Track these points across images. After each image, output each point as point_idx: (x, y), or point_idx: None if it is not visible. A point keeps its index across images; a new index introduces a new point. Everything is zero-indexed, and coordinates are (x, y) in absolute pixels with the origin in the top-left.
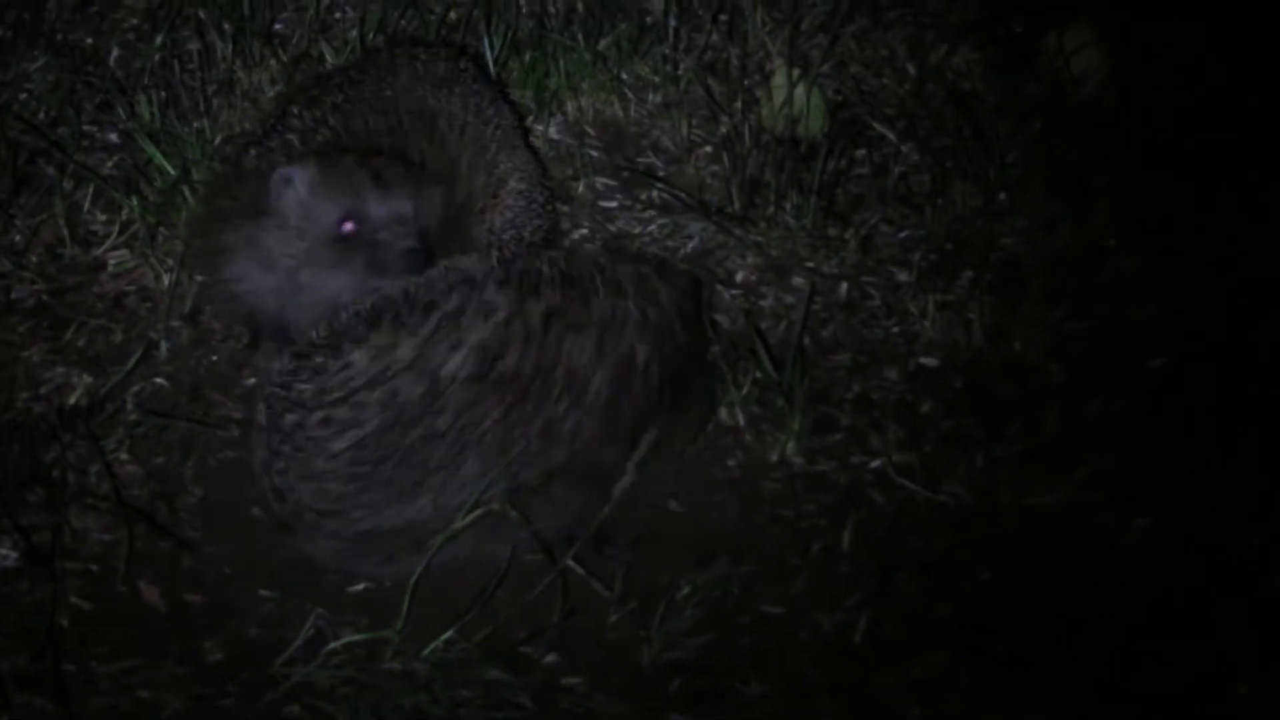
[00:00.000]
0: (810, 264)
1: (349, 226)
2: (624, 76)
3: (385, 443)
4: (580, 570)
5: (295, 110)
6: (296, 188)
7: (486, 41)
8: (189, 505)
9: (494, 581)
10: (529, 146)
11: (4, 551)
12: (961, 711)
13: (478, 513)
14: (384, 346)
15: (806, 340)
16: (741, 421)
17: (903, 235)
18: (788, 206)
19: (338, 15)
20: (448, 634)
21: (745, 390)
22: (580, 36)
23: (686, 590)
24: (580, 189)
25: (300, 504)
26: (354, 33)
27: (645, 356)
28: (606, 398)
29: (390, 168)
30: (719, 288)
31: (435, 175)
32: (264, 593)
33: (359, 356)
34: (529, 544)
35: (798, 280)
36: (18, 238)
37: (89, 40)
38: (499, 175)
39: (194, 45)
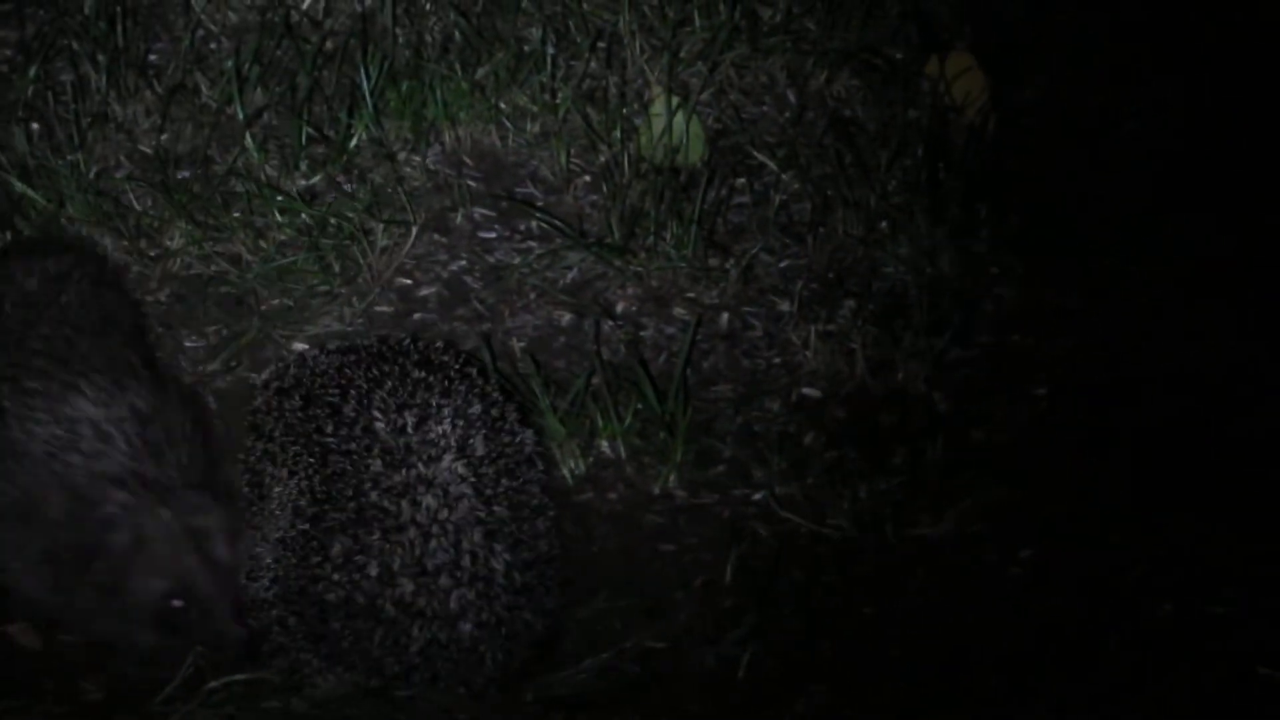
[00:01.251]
0: (691, 294)
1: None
2: (502, 106)
3: None
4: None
5: None
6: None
7: (363, 71)
8: None
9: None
10: None
11: None
12: None
13: None
14: None
15: (688, 372)
16: (623, 454)
17: (784, 265)
18: (668, 236)
19: (213, 46)
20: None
21: (627, 423)
22: (458, 66)
23: (568, 625)
24: (459, 219)
25: None
26: (229, 63)
27: None
28: None
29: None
30: (600, 319)
31: None
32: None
33: None
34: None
35: (679, 311)
36: None
37: None
38: None
39: (67, 77)
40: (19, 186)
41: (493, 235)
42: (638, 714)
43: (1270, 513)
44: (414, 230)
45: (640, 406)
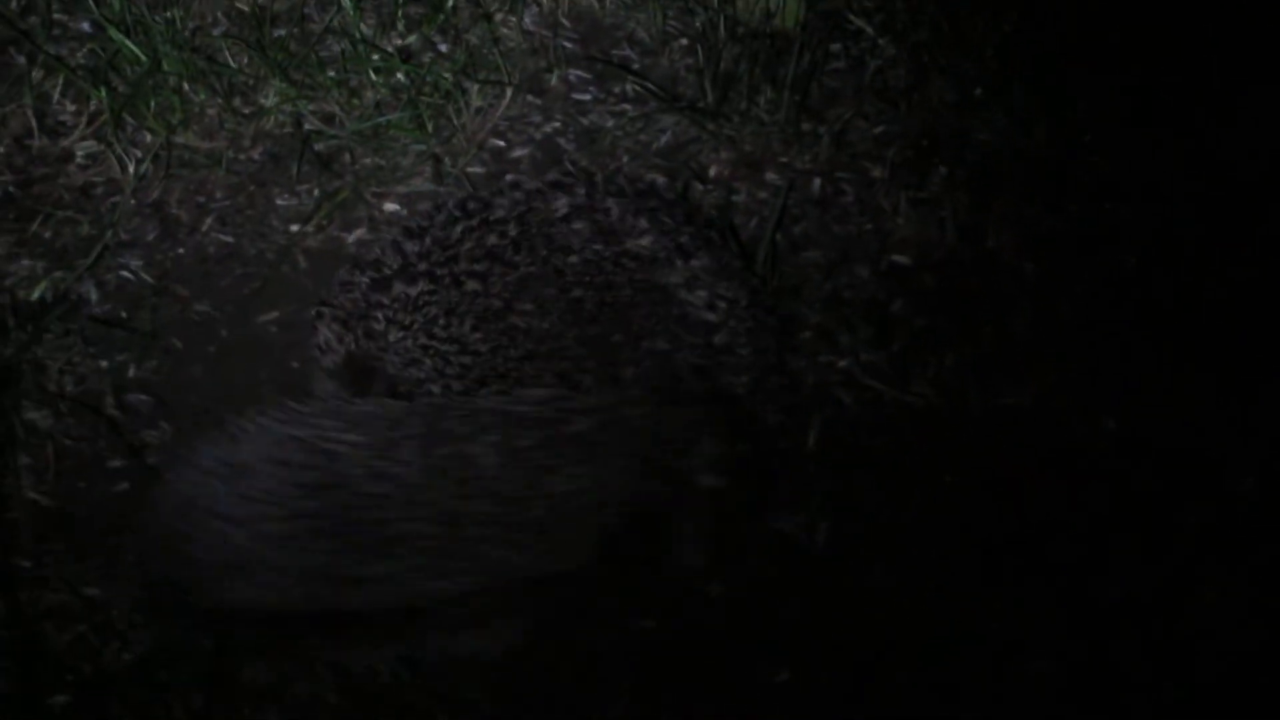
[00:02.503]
0: (784, 159)
1: None
2: None
3: None
4: None
5: None
6: None
7: None
8: (149, 402)
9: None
10: None
11: None
12: (922, 618)
13: None
14: None
15: (779, 236)
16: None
17: (877, 131)
18: (761, 101)
19: None
20: None
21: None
22: None
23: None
24: (554, 81)
25: None
26: None
27: None
28: None
29: None
30: (693, 182)
31: None
32: None
33: None
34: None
35: (771, 176)
36: None
37: None
38: None
39: None
40: (117, 39)
41: (587, 98)
42: (712, 580)
43: None
44: (508, 91)
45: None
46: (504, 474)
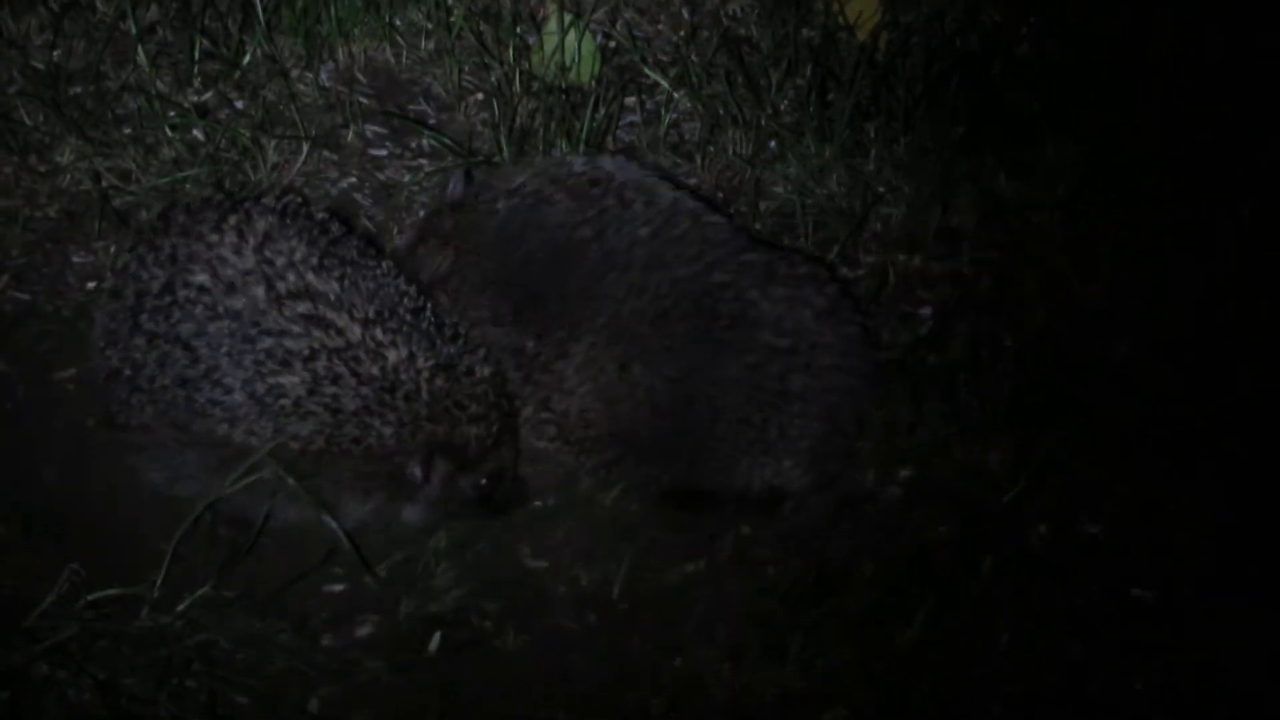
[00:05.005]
0: None
1: None
2: (396, 23)
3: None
4: (335, 524)
5: None
6: None
7: None
8: None
9: (250, 536)
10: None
11: None
12: (714, 666)
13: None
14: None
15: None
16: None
17: None
18: (557, 154)
19: None
20: (204, 589)
21: None
22: None
23: (444, 543)
24: (350, 137)
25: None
26: None
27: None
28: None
29: None
30: None
31: None
32: (20, 547)
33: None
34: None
35: None
36: None
37: None
38: None
39: None
40: None
41: (384, 153)
42: (514, 630)
43: (1144, 433)
44: (305, 147)
45: None
46: None
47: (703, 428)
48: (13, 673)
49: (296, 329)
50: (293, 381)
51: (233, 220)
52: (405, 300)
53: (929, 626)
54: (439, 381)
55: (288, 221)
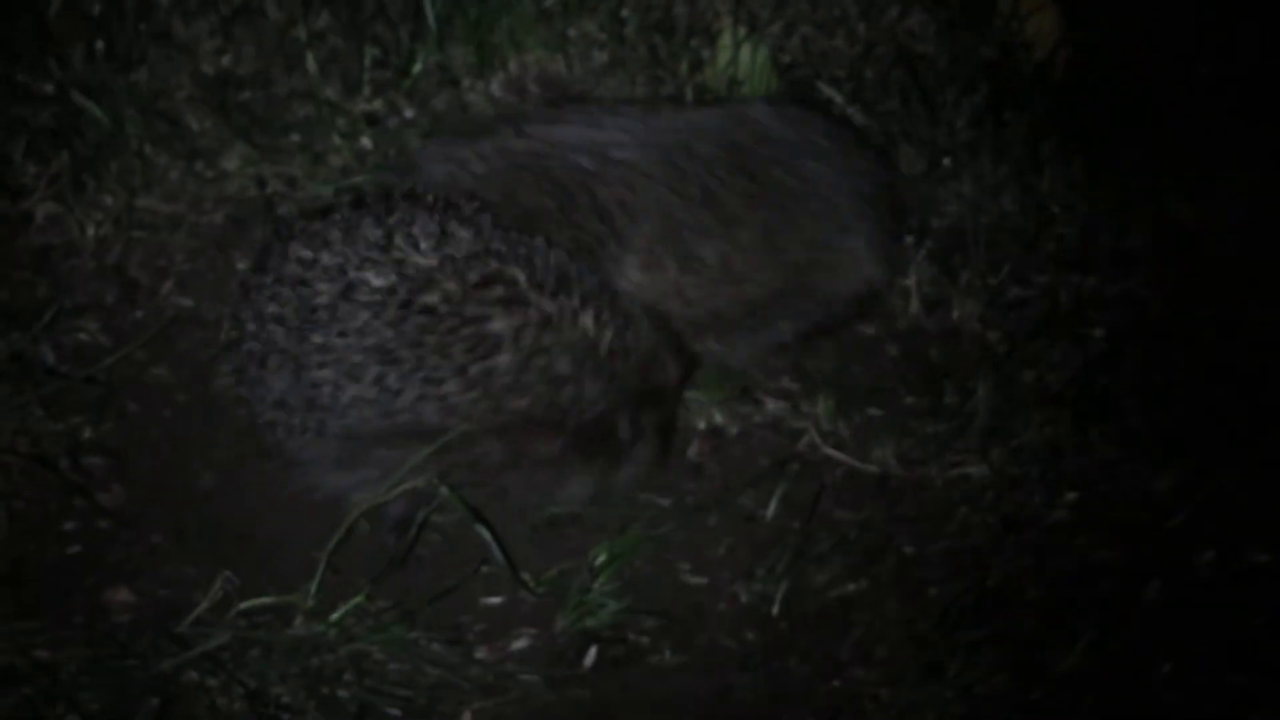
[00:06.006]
0: None
1: None
2: (569, 33)
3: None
4: (490, 535)
5: None
6: None
7: None
8: (104, 464)
9: (408, 545)
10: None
11: None
12: (872, 688)
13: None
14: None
15: None
16: None
17: None
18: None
19: None
20: (358, 598)
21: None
22: None
23: (603, 557)
24: None
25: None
26: None
27: (568, 370)
28: (506, 379)
29: None
30: None
31: None
32: (176, 554)
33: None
34: (448, 508)
35: None
36: None
37: None
38: None
39: None
40: (79, 101)
41: None
42: (670, 648)
43: None
44: None
45: None
46: None
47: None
48: (164, 679)
49: (496, 312)
50: (504, 361)
51: (396, 220)
52: (574, 269)
53: (1091, 652)
54: (629, 335)
55: (450, 214)
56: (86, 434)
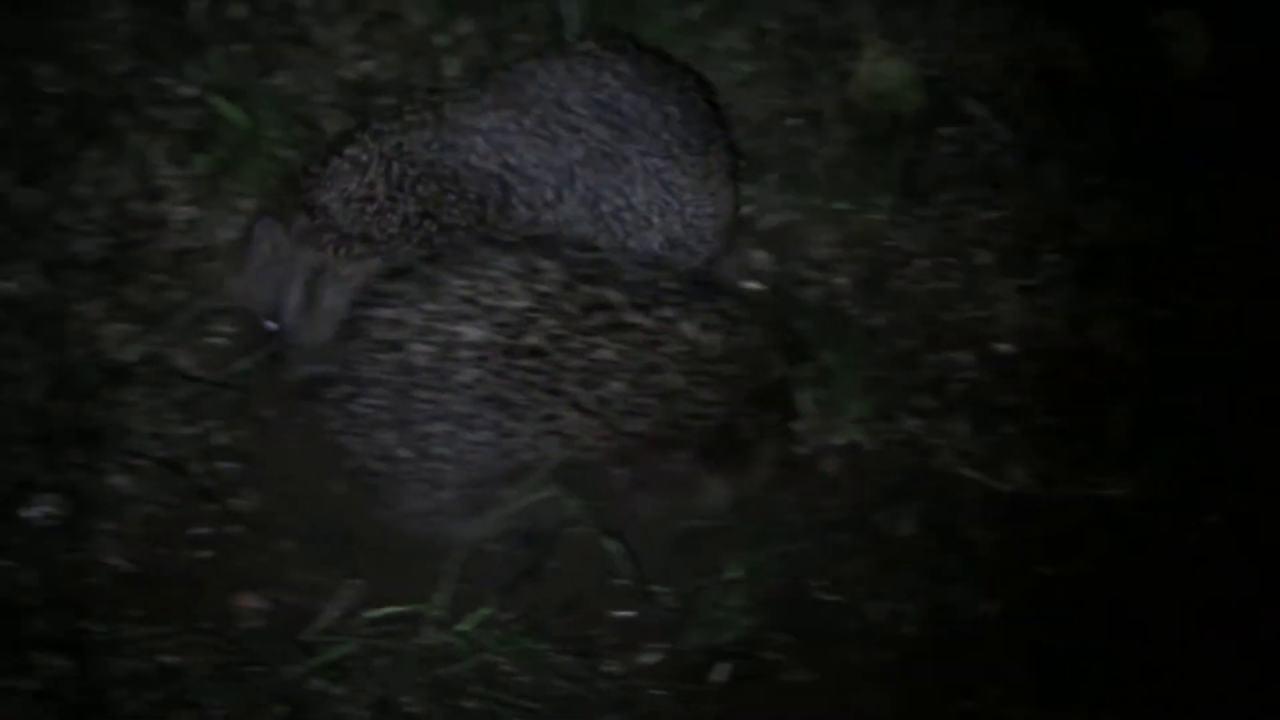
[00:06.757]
0: (890, 242)
1: (270, 325)
2: (712, 45)
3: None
4: (620, 549)
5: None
6: (260, 249)
7: (575, 5)
8: (236, 469)
9: (537, 557)
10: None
11: (44, 509)
12: (1003, 711)
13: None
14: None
15: (881, 320)
16: (808, 403)
17: (987, 216)
18: (870, 182)
19: None
20: (487, 609)
21: (813, 370)
22: (669, 3)
23: (736, 573)
24: None
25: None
26: None
27: (680, 384)
28: (621, 404)
29: (344, 271)
30: (796, 264)
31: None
32: (306, 561)
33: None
34: (575, 520)
35: (876, 258)
36: (84, 190)
37: None
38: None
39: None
40: (220, 105)
41: None
42: (802, 665)
43: None
44: None
45: (829, 354)
46: None
47: None
48: (290, 687)
49: (601, 340)
50: (617, 386)
51: (475, 268)
52: (660, 275)
53: (1231, 680)
54: (733, 334)
55: (529, 249)
56: (220, 439)
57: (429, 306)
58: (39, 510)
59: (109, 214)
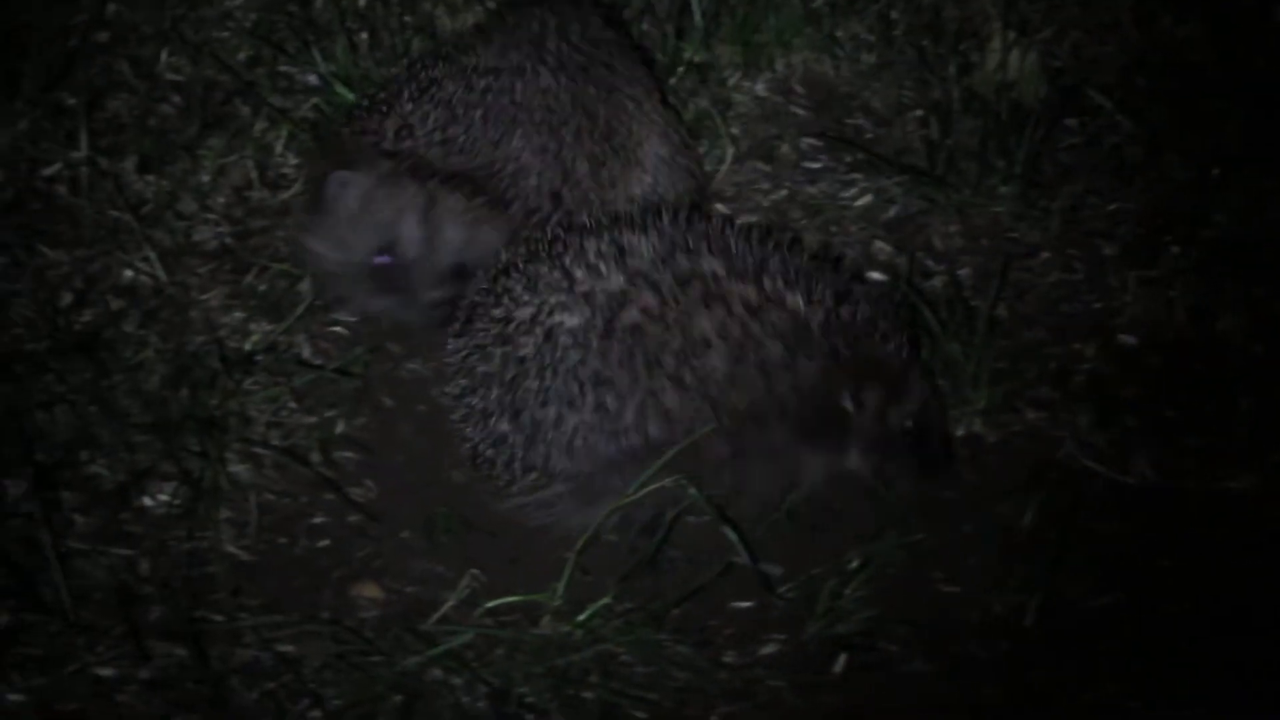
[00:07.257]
0: (1013, 234)
1: (383, 259)
2: (837, 35)
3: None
4: (738, 539)
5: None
6: (348, 200)
7: None
8: (355, 459)
9: (656, 546)
10: (666, 108)
11: (163, 497)
12: (1123, 704)
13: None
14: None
15: (1003, 311)
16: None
17: (1110, 208)
18: (994, 174)
19: None
20: (605, 599)
21: (937, 362)
22: None
23: (856, 563)
24: (784, 149)
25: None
26: None
27: (782, 360)
28: (721, 378)
29: (448, 202)
30: (918, 254)
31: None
32: (424, 550)
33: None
34: (694, 510)
35: (999, 249)
36: (205, 179)
37: None
38: (631, 143)
39: None
40: (342, 93)
41: (818, 166)
42: (921, 656)
43: None
44: (729, 156)
45: (951, 346)
46: None
47: None
48: (408, 676)
49: (698, 311)
50: (717, 360)
51: (570, 256)
52: (771, 247)
53: None
54: (844, 309)
55: (618, 227)
56: (339, 428)
57: (529, 299)
58: (158, 499)
59: (229, 202)
